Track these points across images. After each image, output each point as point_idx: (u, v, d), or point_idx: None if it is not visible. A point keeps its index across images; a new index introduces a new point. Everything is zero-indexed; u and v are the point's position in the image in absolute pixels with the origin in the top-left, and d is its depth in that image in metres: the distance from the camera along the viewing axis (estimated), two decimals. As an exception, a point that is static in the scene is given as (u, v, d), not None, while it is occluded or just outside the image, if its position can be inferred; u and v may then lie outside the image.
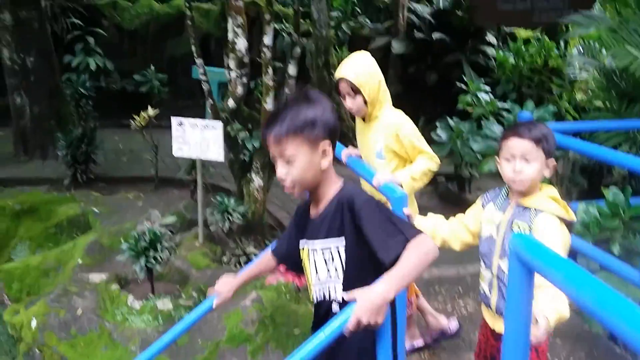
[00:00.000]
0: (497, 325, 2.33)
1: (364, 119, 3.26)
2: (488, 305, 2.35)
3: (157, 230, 4.23)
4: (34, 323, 4.10)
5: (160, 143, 6.87)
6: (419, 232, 1.61)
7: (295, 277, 3.83)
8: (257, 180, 5.08)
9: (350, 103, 3.15)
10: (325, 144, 1.69)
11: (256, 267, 2.20)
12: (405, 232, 1.60)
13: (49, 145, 7.46)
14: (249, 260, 4.92)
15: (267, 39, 4.88)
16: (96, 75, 9.15)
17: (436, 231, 2.51)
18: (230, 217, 4.95)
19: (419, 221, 2.59)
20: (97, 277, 4.53)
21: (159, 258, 4.16)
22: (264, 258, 2.17)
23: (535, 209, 2.15)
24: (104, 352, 3.89)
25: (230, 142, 5.18)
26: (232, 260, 4.88)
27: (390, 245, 1.58)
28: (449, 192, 6.70)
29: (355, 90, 3.08)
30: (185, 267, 4.66)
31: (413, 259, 1.54)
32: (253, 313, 4.01)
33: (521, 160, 2.15)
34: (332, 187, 1.77)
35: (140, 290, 4.36)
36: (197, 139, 4.83)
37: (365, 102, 3.11)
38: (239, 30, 4.68)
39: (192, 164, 6.31)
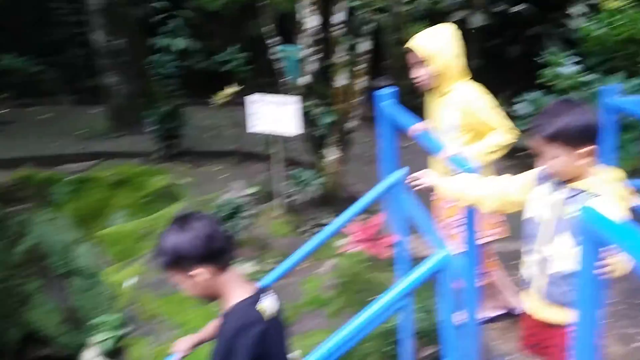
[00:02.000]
0: (541, 312, 2.23)
1: (435, 93, 3.29)
2: (530, 291, 2.25)
3: (237, 200, 4.50)
4: (131, 282, 4.50)
5: (242, 119, 7.18)
6: None
7: (371, 246, 3.97)
8: (333, 154, 5.24)
9: (416, 74, 3.18)
10: (196, 270, 1.76)
11: (209, 330, 2.25)
12: None
13: (139, 122, 7.96)
14: (325, 230, 5.13)
15: (338, 16, 4.95)
16: (181, 56, 9.59)
17: (465, 193, 2.42)
18: (306, 189, 5.16)
19: (447, 181, 2.54)
20: (185, 243, 4.88)
21: (239, 225, 4.43)
22: (215, 323, 2.20)
23: (589, 193, 1.98)
24: (192, 310, 4.23)
25: (306, 117, 5.36)
26: (310, 231, 5.10)
27: None
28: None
29: (423, 61, 3.11)
30: (266, 235, 4.93)
31: None
32: (331, 279, 4.22)
33: (541, 155, 2.06)
34: (228, 302, 1.83)
35: (225, 255, 4.66)
36: (272, 115, 5.03)
37: (434, 75, 3.13)
38: (311, 8, 4.79)
39: (271, 138, 6.59)
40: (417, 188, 2.69)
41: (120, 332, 4.50)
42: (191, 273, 1.77)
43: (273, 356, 1.85)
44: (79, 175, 6.81)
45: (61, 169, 7.02)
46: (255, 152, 7.09)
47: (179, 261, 1.77)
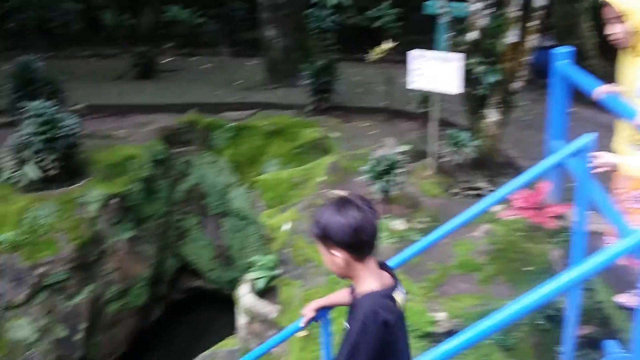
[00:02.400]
0: None
1: (631, 52, 3.01)
2: None
3: (393, 156, 4.49)
4: (286, 227, 4.73)
5: (392, 76, 7.11)
6: None
7: (534, 214, 3.80)
8: (492, 116, 5.02)
9: (612, 30, 2.93)
10: (336, 251, 1.84)
11: (339, 297, 2.31)
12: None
13: (294, 75, 8.19)
14: (478, 195, 4.98)
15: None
16: (335, 11, 9.65)
17: None
18: (461, 151, 5.02)
19: (633, 158, 2.31)
20: (337, 194, 5.00)
21: (394, 182, 4.44)
22: (345, 291, 2.23)
23: None
24: (342, 260, 4.36)
25: (466, 75, 5.17)
26: (461, 193, 4.98)
27: None
28: None
29: (620, 17, 2.85)
30: (417, 194, 4.90)
31: None
32: (485, 244, 4.11)
33: None
34: (362, 287, 1.88)
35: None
36: (434, 72, 4.90)
37: (631, 32, 2.86)
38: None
39: (424, 97, 6.46)
40: (597, 170, 2.54)
41: (273, 273, 4.76)
42: (332, 251, 1.86)
43: (398, 346, 1.90)
44: (238, 123, 7.21)
45: (221, 116, 7.48)
46: (404, 110, 7.02)
47: (325, 238, 1.86)
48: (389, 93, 7.21)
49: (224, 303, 7.81)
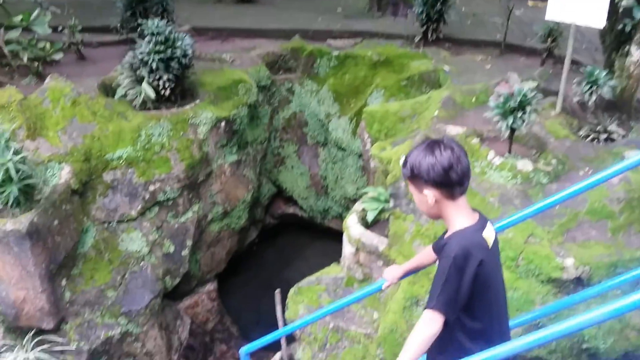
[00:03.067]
0: None
1: None
2: None
3: (527, 92, 4.20)
4: (401, 161, 4.60)
5: (506, 8, 6.64)
6: (437, 306, 1.82)
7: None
8: (636, 54, 4.59)
9: None
10: (427, 190, 1.89)
11: (419, 260, 2.40)
12: (433, 300, 1.83)
13: (400, 3, 7.83)
14: (608, 138, 4.64)
15: None
16: None
17: None
18: (596, 91, 4.65)
19: None
20: (454, 130, 4.79)
21: (524, 120, 4.18)
22: (426, 251, 2.32)
23: None
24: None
25: (609, 8, 4.71)
26: (590, 136, 4.66)
27: (426, 301, 1.87)
28: None
29: None
30: (543, 134, 4.61)
31: (413, 338, 1.85)
32: (620, 192, 3.84)
33: None
34: (452, 227, 1.93)
35: (498, 148, 4.49)
36: (579, 3, 4.48)
37: None
38: None
39: (549, 30, 6.01)
40: None
41: (384, 205, 4.70)
42: (423, 191, 1.91)
43: (492, 283, 1.90)
44: (342, 52, 7.00)
45: (325, 44, 7.28)
46: (522, 45, 6.58)
47: (415, 178, 1.91)
48: (502, 26, 6.77)
49: (315, 231, 7.94)
